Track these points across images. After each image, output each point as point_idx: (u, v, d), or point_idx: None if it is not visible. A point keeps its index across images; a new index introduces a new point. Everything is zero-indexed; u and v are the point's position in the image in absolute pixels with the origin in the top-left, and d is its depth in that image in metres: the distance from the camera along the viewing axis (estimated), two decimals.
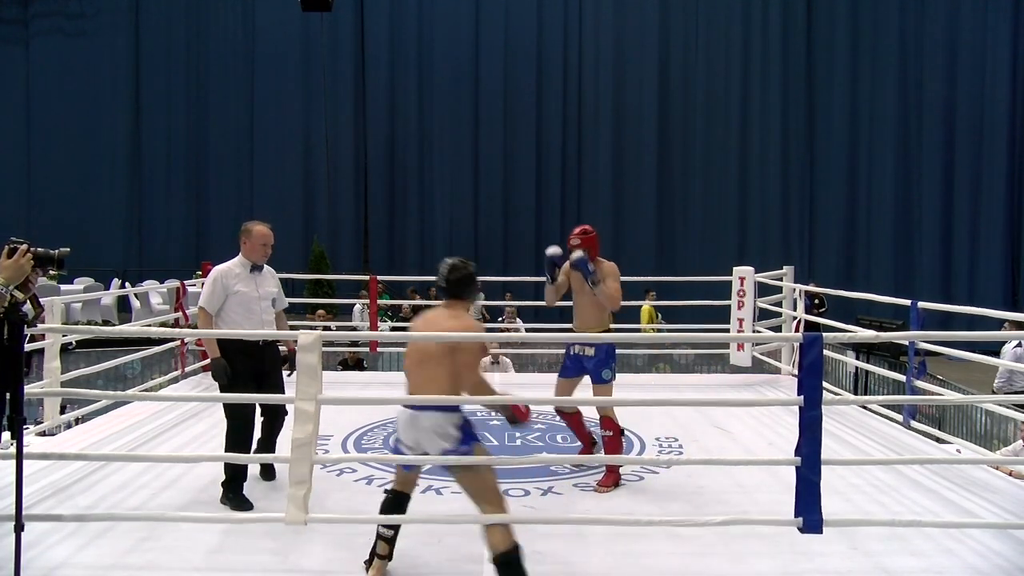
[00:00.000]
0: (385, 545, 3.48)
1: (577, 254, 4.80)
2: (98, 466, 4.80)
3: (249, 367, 4.45)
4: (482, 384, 3.40)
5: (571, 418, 5.09)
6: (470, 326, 3.46)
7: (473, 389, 3.38)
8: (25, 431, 6.53)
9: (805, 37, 17.58)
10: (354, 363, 9.73)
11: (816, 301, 12.30)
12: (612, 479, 4.73)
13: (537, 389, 7.76)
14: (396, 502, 3.53)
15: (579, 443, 5.19)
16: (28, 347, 5.96)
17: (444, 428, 3.29)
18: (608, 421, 4.77)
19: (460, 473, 3.34)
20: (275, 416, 4.64)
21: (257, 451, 4.51)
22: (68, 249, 3.09)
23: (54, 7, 17.78)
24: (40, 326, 6.28)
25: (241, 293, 4.55)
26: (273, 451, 4.55)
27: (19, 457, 3.19)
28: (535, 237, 17.63)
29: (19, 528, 3.26)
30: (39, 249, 3.04)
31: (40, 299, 3.18)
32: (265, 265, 4.72)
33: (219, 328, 4.52)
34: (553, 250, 4.96)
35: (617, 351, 4.96)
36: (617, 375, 4.88)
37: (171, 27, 17.86)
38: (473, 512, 3.36)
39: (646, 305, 11.33)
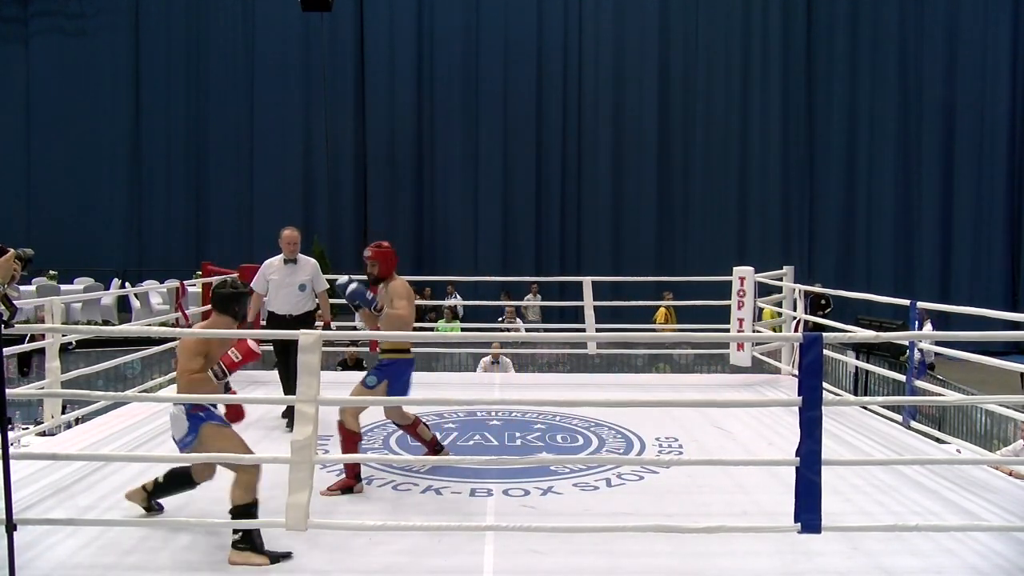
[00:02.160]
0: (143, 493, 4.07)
1: (351, 288, 4.61)
2: (98, 466, 4.80)
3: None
4: (195, 381, 3.72)
5: (408, 428, 4.95)
6: (187, 338, 3.88)
7: (187, 385, 3.75)
8: (25, 431, 6.56)
9: (805, 37, 17.57)
10: (354, 363, 9.73)
11: (823, 301, 12.21)
12: (341, 485, 4.55)
13: (537, 389, 7.78)
14: (183, 479, 4.00)
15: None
16: (28, 347, 5.99)
17: (177, 416, 3.78)
18: (341, 425, 4.63)
19: (203, 449, 3.71)
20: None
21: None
22: (31, 251, 3.21)
23: (53, 6, 17.74)
24: (40, 326, 6.29)
25: (273, 280, 6.12)
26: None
27: (5, 459, 3.18)
28: (535, 237, 17.65)
29: (11, 529, 3.25)
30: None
31: (13, 300, 3.20)
32: (305, 258, 6.23)
33: (264, 304, 6.25)
34: (341, 280, 4.71)
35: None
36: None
37: (171, 27, 17.83)
38: (472, 514, 3.35)
39: (662, 307, 11.31)
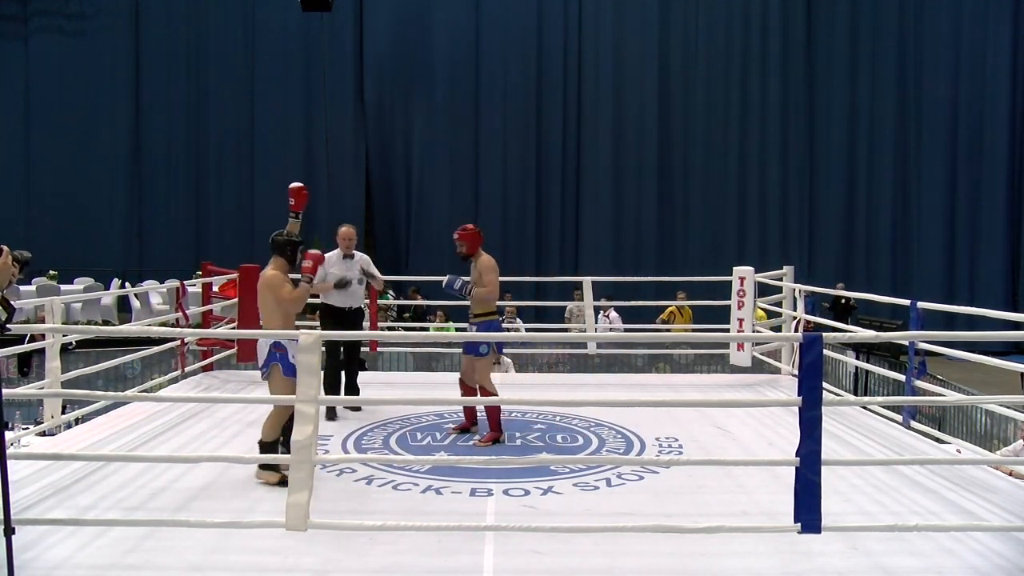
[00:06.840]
0: None
1: (445, 283, 5.85)
2: (98, 466, 4.79)
3: (336, 327, 6.25)
4: (298, 297, 4.77)
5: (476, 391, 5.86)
6: (268, 275, 4.76)
7: (292, 302, 4.76)
8: (25, 431, 6.55)
9: (805, 37, 17.56)
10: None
11: (847, 302, 12.04)
12: (490, 438, 5.56)
13: (537, 389, 7.77)
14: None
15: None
16: (28, 347, 5.99)
17: (263, 347, 4.63)
18: (482, 389, 5.69)
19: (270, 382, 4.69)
20: (352, 358, 6.56)
21: (345, 390, 6.50)
22: (29, 253, 3.24)
23: (53, 6, 17.72)
24: (40, 326, 6.28)
25: (332, 274, 6.34)
26: (356, 389, 6.61)
27: (3, 461, 3.18)
28: (535, 237, 17.64)
29: (9, 531, 3.25)
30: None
31: (12, 302, 3.20)
32: (358, 253, 6.60)
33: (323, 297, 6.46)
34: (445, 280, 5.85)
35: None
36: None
37: (171, 27, 17.82)
38: (472, 514, 3.36)
39: (672, 306, 11.30)
